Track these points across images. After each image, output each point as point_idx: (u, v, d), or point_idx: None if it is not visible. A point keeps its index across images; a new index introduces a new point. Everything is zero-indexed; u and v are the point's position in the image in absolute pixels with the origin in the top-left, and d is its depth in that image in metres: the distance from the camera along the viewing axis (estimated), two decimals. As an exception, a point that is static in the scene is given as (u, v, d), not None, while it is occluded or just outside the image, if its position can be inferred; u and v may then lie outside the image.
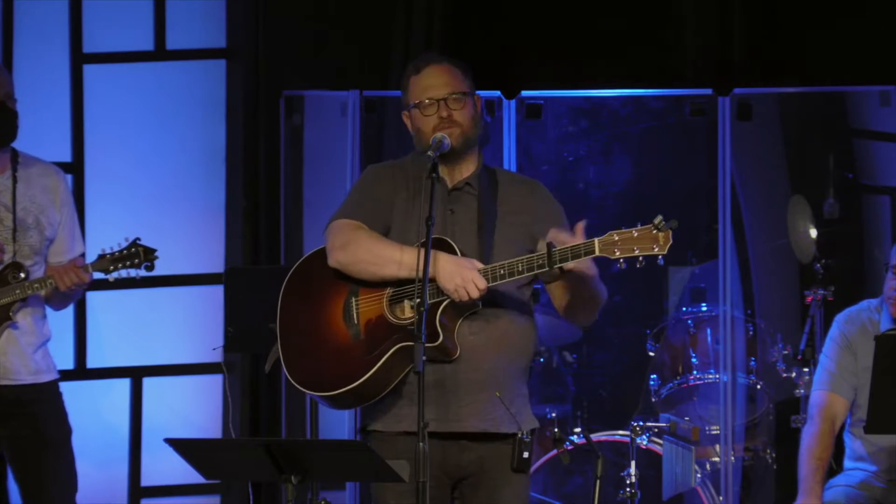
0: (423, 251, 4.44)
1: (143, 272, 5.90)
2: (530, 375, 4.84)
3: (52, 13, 7.49)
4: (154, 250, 5.91)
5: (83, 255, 6.00)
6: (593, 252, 4.47)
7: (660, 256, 4.44)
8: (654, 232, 4.43)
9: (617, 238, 4.45)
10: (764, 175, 7.94)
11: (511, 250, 4.66)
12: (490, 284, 4.55)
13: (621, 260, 4.46)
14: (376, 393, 4.63)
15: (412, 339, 4.48)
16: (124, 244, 5.89)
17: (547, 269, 4.50)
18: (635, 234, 4.45)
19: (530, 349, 4.79)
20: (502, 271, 4.55)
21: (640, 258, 4.45)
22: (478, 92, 4.85)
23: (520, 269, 4.54)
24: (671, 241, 4.44)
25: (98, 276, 5.87)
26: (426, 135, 4.73)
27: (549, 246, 4.49)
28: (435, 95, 4.73)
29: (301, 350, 4.70)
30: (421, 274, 4.42)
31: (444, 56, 4.87)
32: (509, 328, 4.69)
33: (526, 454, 4.68)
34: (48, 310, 6.01)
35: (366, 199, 4.78)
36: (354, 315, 4.68)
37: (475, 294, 4.53)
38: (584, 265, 4.55)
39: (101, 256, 5.87)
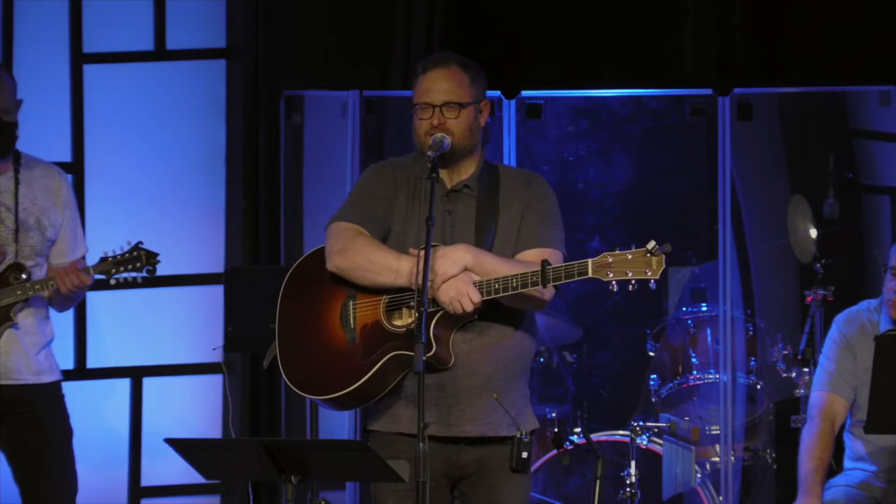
0: (421, 259, 4.43)
1: (144, 275, 5.90)
2: (532, 375, 4.83)
3: (52, 13, 7.49)
4: (156, 254, 5.90)
5: (85, 256, 5.99)
6: (586, 273, 4.47)
7: (652, 281, 4.45)
8: (648, 256, 4.43)
9: (611, 260, 4.45)
10: (764, 175, 7.94)
11: (509, 253, 4.65)
12: (484, 298, 4.54)
13: (613, 282, 4.46)
14: (373, 396, 4.64)
15: (407, 347, 4.51)
16: (126, 247, 5.89)
17: (541, 286, 4.50)
18: (629, 257, 4.45)
19: (529, 349, 4.77)
20: (497, 286, 4.53)
21: (633, 282, 4.46)
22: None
23: (514, 284, 4.52)
24: (664, 267, 4.44)
25: (99, 278, 5.87)
26: (419, 137, 4.73)
27: (544, 263, 4.49)
28: (431, 101, 4.71)
29: (297, 351, 4.70)
30: (418, 282, 4.42)
31: (458, 58, 4.79)
32: (505, 333, 4.68)
33: (525, 454, 4.68)
34: (51, 311, 6.01)
35: (366, 201, 4.77)
36: (351, 319, 4.67)
37: (469, 307, 4.52)
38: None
39: (104, 259, 5.87)
